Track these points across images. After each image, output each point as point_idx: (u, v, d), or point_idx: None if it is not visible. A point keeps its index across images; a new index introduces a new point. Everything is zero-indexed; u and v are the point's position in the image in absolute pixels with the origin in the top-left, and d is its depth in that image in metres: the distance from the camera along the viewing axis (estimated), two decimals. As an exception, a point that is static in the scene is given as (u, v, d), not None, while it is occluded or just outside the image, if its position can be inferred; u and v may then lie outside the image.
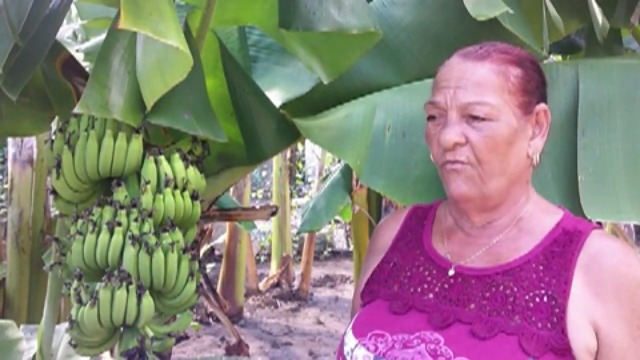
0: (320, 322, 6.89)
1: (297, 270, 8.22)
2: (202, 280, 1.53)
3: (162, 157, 1.36)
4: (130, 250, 1.29)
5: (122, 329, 1.35)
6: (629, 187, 1.29)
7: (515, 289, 1.05)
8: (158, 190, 1.34)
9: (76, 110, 1.20)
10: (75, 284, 1.31)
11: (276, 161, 7.91)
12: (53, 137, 1.40)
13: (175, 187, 1.36)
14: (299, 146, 11.08)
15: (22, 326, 2.62)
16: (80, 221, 1.35)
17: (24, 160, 3.62)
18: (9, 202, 3.66)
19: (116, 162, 1.34)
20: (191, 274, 1.37)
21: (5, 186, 4.15)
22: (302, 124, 1.58)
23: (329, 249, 10.32)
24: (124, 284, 1.26)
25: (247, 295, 7.53)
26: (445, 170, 1.10)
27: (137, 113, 1.29)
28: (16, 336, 2.43)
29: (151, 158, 1.35)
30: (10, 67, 1.35)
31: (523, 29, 1.45)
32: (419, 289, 1.14)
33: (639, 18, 1.90)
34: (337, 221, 9.98)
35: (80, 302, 1.29)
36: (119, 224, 1.30)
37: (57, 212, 1.52)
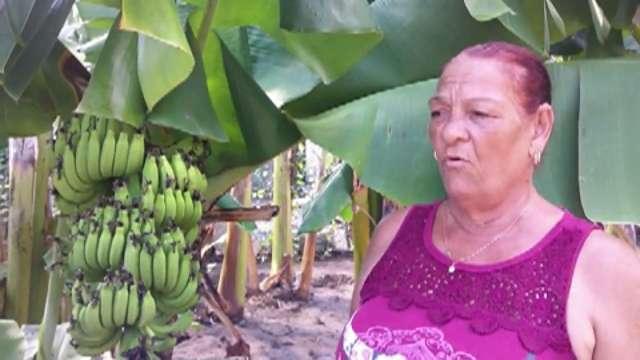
0: (320, 322, 6.89)
1: (297, 271, 8.22)
2: (203, 280, 1.53)
3: (163, 158, 1.36)
4: (131, 251, 1.29)
5: (123, 329, 1.35)
6: (630, 188, 1.29)
7: (516, 286, 1.06)
8: (159, 190, 1.35)
9: (78, 110, 1.20)
10: (76, 284, 1.31)
11: (277, 161, 7.92)
12: (54, 137, 1.41)
13: (177, 187, 1.37)
14: (300, 146, 11.08)
15: (23, 326, 2.62)
16: (81, 221, 1.36)
17: (26, 160, 3.62)
18: (10, 202, 3.66)
19: (117, 162, 1.34)
20: (192, 274, 1.37)
21: (7, 186, 4.15)
22: (303, 124, 1.59)
23: (330, 249, 10.32)
24: (126, 284, 1.27)
25: (247, 296, 7.53)
26: (446, 167, 1.10)
27: (138, 113, 1.29)
28: (17, 336, 2.43)
29: (152, 158, 1.35)
30: (12, 68, 1.35)
31: (524, 30, 1.45)
32: (418, 286, 1.15)
33: (640, 19, 1.90)
34: (337, 221, 9.99)
35: (81, 302, 1.30)
36: (121, 224, 1.30)
37: (58, 212, 1.52)
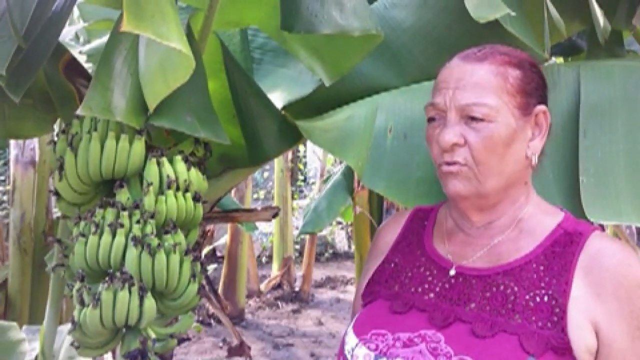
0: (321, 324, 6.89)
1: (298, 272, 8.22)
2: (203, 281, 1.53)
3: (164, 159, 1.37)
4: (132, 252, 1.29)
5: (124, 330, 1.35)
6: (630, 189, 1.29)
7: (516, 289, 1.06)
8: (160, 191, 1.35)
9: (79, 112, 1.20)
10: (77, 285, 1.31)
11: (278, 162, 7.92)
12: (55, 139, 1.41)
13: (178, 188, 1.37)
14: (301, 147, 11.08)
15: (24, 327, 2.62)
16: (82, 223, 1.36)
17: (26, 162, 3.62)
18: (11, 204, 3.66)
19: (118, 164, 1.34)
20: (193, 276, 1.37)
21: (8, 187, 4.15)
22: (304, 125, 1.59)
23: (331, 251, 10.32)
24: (126, 285, 1.27)
25: (248, 297, 7.53)
26: (442, 171, 1.10)
27: (139, 115, 1.29)
28: (18, 337, 2.43)
29: (153, 160, 1.35)
30: (13, 69, 1.35)
31: (524, 31, 1.45)
32: (419, 289, 1.15)
33: (640, 20, 1.90)
34: (338, 222, 9.98)
35: (82, 303, 1.30)
36: (122, 226, 1.30)
37: (59, 214, 1.52)
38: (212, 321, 6.67)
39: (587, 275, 1.04)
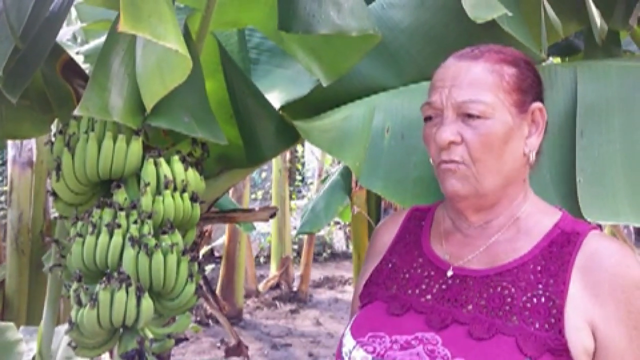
0: (319, 324, 6.89)
1: (296, 272, 8.22)
2: (201, 281, 1.53)
3: (161, 159, 1.36)
4: (129, 252, 1.29)
5: (121, 330, 1.35)
6: (627, 189, 1.29)
7: (513, 290, 1.06)
8: (157, 192, 1.35)
9: (76, 112, 1.20)
10: (74, 285, 1.31)
11: (276, 163, 7.92)
12: (53, 139, 1.41)
13: (175, 189, 1.37)
14: (299, 148, 11.08)
15: (21, 328, 2.62)
16: (79, 223, 1.36)
17: (24, 162, 3.62)
18: (8, 204, 3.66)
19: (116, 164, 1.34)
20: (190, 276, 1.38)
21: (5, 188, 4.15)
22: (302, 125, 1.59)
23: (329, 251, 10.32)
24: (124, 285, 1.27)
25: (246, 297, 7.53)
26: (440, 170, 1.10)
27: (136, 115, 1.29)
28: (16, 338, 2.43)
29: (151, 160, 1.35)
30: (11, 70, 1.35)
31: (521, 31, 1.45)
32: (417, 291, 1.15)
33: (637, 20, 1.91)
34: (336, 222, 9.99)
35: (79, 303, 1.30)
36: (119, 226, 1.30)
37: (56, 214, 1.52)
38: (210, 321, 6.67)
39: (585, 275, 1.03)
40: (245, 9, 1.67)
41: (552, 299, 1.03)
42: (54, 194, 1.40)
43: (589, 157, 1.34)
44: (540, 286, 1.05)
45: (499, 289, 1.07)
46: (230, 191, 5.60)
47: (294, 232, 7.93)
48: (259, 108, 1.70)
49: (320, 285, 8.60)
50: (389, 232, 1.29)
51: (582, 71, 1.44)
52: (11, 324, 2.52)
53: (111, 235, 1.30)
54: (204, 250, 6.62)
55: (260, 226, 9.13)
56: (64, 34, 2.76)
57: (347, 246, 10.25)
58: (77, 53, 2.05)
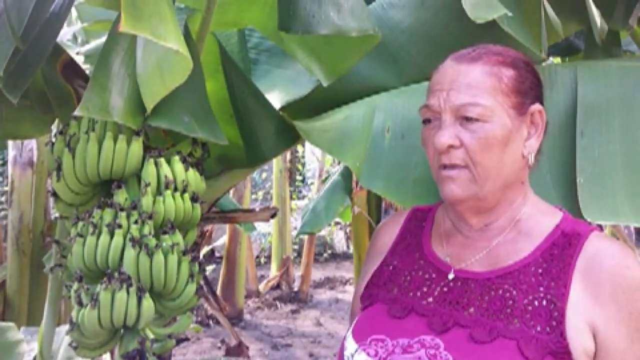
0: (320, 324, 6.89)
1: (297, 272, 8.22)
2: (202, 282, 1.53)
3: (162, 160, 1.37)
4: (130, 252, 1.29)
5: (122, 330, 1.35)
6: (627, 189, 1.29)
7: (515, 293, 1.05)
8: (158, 192, 1.35)
9: (76, 112, 1.20)
10: (75, 285, 1.31)
11: (276, 163, 7.92)
12: (53, 140, 1.41)
13: (175, 189, 1.37)
14: (299, 148, 11.08)
15: (22, 328, 2.62)
16: (80, 223, 1.36)
17: (25, 163, 3.62)
18: (9, 205, 3.66)
19: (116, 165, 1.34)
20: (191, 276, 1.38)
21: (6, 188, 4.15)
22: (302, 125, 1.59)
23: (329, 251, 10.32)
24: (125, 285, 1.27)
25: (247, 297, 7.53)
26: (441, 175, 1.10)
27: (137, 115, 1.30)
28: (16, 338, 2.43)
29: (151, 160, 1.35)
30: (11, 70, 1.35)
31: (521, 31, 1.45)
32: (418, 293, 1.14)
33: (637, 20, 1.91)
34: (337, 223, 9.98)
35: (80, 304, 1.30)
36: (119, 226, 1.30)
37: (57, 214, 1.52)
38: (210, 322, 6.67)
39: (586, 277, 1.03)
40: (246, 9, 1.67)
41: (554, 302, 1.02)
42: (54, 194, 1.40)
43: (589, 157, 1.34)
44: (541, 289, 1.04)
45: (500, 291, 1.06)
46: (231, 191, 5.61)
47: (294, 233, 7.93)
48: (259, 108, 1.70)
49: (321, 285, 8.60)
50: (389, 232, 1.28)
51: (582, 71, 1.44)
52: (12, 324, 2.53)
53: (112, 235, 1.30)
54: (204, 250, 6.61)
55: (261, 226, 9.13)
56: (65, 35, 2.76)
57: (348, 246, 10.24)
58: (78, 53, 2.05)
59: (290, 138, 1.72)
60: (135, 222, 1.31)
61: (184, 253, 1.36)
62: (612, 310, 1.01)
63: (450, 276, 1.13)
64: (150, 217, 1.32)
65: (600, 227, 1.21)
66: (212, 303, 2.09)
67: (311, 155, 11.30)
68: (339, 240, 10.60)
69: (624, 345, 1.00)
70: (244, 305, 7.19)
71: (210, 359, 5.45)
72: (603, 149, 1.34)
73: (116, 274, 1.28)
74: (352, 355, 1.09)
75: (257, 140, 1.70)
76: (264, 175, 11.48)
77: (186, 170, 1.40)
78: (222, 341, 6.16)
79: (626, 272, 1.02)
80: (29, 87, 1.44)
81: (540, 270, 1.06)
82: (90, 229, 1.32)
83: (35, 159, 3.64)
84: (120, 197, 1.34)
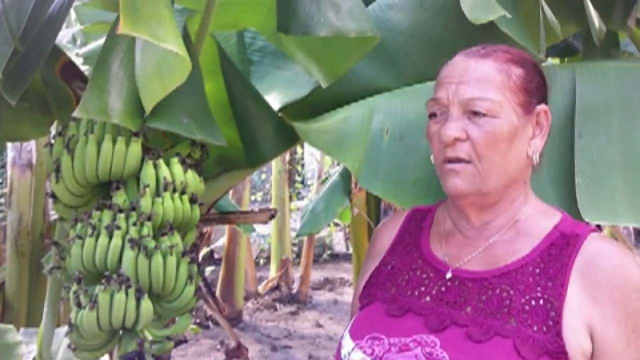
0: (319, 325, 6.89)
1: (296, 273, 8.21)
2: (201, 283, 1.53)
3: (161, 161, 1.37)
4: (129, 254, 1.29)
5: (121, 332, 1.35)
6: (626, 190, 1.29)
7: (512, 292, 1.05)
8: (157, 193, 1.35)
9: (75, 114, 1.20)
10: (74, 287, 1.31)
11: (275, 164, 7.92)
12: (52, 141, 1.41)
13: (174, 190, 1.37)
14: (298, 149, 11.08)
15: (21, 330, 2.62)
16: (79, 225, 1.36)
17: (24, 164, 3.62)
18: (8, 206, 3.66)
19: (115, 166, 1.34)
20: (190, 277, 1.38)
21: (5, 190, 4.15)
22: (301, 127, 1.59)
23: (328, 252, 10.31)
24: (123, 287, 1.27)
25: (246, 299, 7.52)
26: (445, 169, 1.09)
27: (136, 117, 1.30)
28: (15, 340, 2.43)
29: (150, 162, 1.35)
30: (10, 71, 1.35)
31: (520, 32, 1.45)
32: (416, 292, 1.14)
33: (636, 21, 1.91)
34: (336, 224, 9.97)
35: (79, 305, 1.30)
36: (118, 228, 1.30)
37: (56, 216, 1.52)
38: (209, 323, 6.66)
39: (583, 277, 1.03)
40: (244, 11, 1.67)
41: (551, 302, 1.02)
42: (53, 195, 1.40)
43: (588, 158, 1.34)
44: (538, 289, 1.04)
45: (497, 291, 1.07)
46: (230, 193, 5.61)
47: (293, 234, 7.93)
48: (258, 109, 1.70)
49: (320, 286, 8.59)
50: (388, 233, 1.29)
51: (580, 72, 1.44)
52: (11, 326, 2.52)
53: (110, 237, 1.30)
54: (203, 251, 6.61)
55: (260, 228, 9.12)
56: (64, 36, 2.77)
57: (347, 247, 10.24)
58: (77, 55, 2.06)
59: (289, 139, 1.72)
60: (134, 223, 1.31)
61: (183, 254, 1.36)
62: (609, 311, 1.01)
63: (448, 275, 1.13)
64: (149, 219, 1.32)
65: (599, 228, 1.21)
66: (211, 304, 2.09)
67: (310, 156, 11.30)
68: (338, 241, 10.60)
69: (621, 345, 1.00)
70: (243, 307, 7.19)
71: (209, 361, 5.45)
72: (601, 150, 1.34)
73: (115, 276, 1.28)
74: (349, 354, 1.09)
75: (256, 142, 1.70)
76: (263, 176, 11.49)
77: (185, 171, 1.40)
78: (221, 342, 6.16)
79: (624, 273, 1.02)
80: (27, 88, 1.44)
81: (537, 270, 1.06)
82: (89, 231, 1.32)
83: (34, 160, 3.64)
84: (119, 198, 1.34)
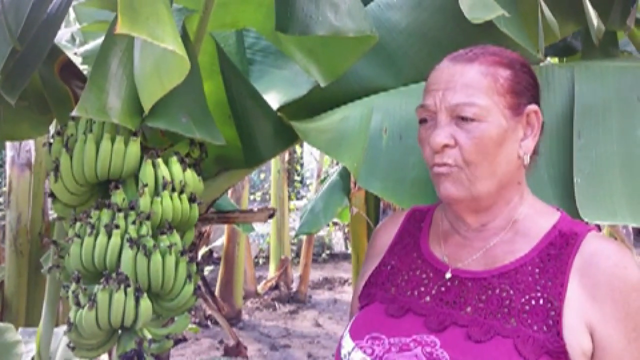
0: (318, 325, 6.89)
1: (295, 273, 8.22)
2: (200, 282, 1.53)
3: (159, 160, 1.37)
4: (128, 253, 1.29)
5: (120, 331, 1.35)
6: (624, 189, 1.30)
7: (512, 292, 1.06)
8: (156, 193, 1.35)
9: (74, 113, 1.20)
10: (73, 286, 1.31)
11: (274, 163, 7.92)
12: (51, 141, 1.41)
13: (173, 189, 1.37)
14: (298, 148, 11.08)
15: (20, 329, 2.62)
16: (78, 224, 1.36)
17: (23, 164, 3.62)
18: (7, 205, 3.66)
19: (114, 165, 1.34)
20: (189, 276, 1.38)
21: (4, 189, 4.15)
22: (300, 126, 1.59)
23: (328, 251, 10.32)
24: (122, 286, 1.27)
25: (245, 298, 7.52)
26: (433, 173, 1.11)
27: (134, 116, 1.30)
28: (14, 339, 2.43)
29: (149, 161, 1.35)
30: (9, 71, 1.35)
31: (519, 32, 1.45)
32: (415, 292, 1.15)
33: (635, 20, 1.91)
34: (335, 223, 9.98)
35: (78, 304, 1.30)
36: (117, 227, 1.30)
37: (55, 215, 1.52)
38: (209, 322, 6.66)
39: (583, 277, 1.03)
40: (243, 10, 1.67)
41: (551, 301, 1.03)
42: (52, 195, 1.40)
43: (587, 157, 1.34)
44: (538, 288, 1.05)
45: (497, 291, 1.07)
46: (229, 192, 5.60)
47: (292, 233, 7.94)
48: (257, 109, 1.70)
49: (319, 286, 8.60)
50: (388, 233, 1.29)
51: (579, 72, 1.44)
52: (10, 325, 2.53)
53: (109, 236, 1.30)
54: (202, 251, 6.62)
55: (259, 227, 9.13)
56: (62, 35, 2.77)
57: (346, 247, 10.25)
58: (75, 54, 2.05)
59: (288, 139, 1.72)
60: (133, 222, 1.31)
61: (182, 253, 1.36)
62: (609, 310, 1.01)
63: (448, 276, 1.13)
64: (148, 218, 1.32)
65: (598, 227, 1.21)
66: (210, 303, 2.09)
67: (309, 155, 11.30)
68: (338, 240, 10.61)
69: (622, 345, 1.01)
70: (242, 306, 7.19)
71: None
72: (600, 149, 1.34)
73: (114, 275, 1.28)
74: (349, 354, 1.09)
75: (255, 141, 1.70)
76: (262, 175, 11.49)
77: (184, 170, 1.40)
78: (221, 342, 6.16)
79: (623, 272, 1.03)
80: (26, 88, 1.44)
81: (537, 270, 1.06)
82: (88, 230, 1.32)
83: (33, 159, 3.64)
84: (118, 197, 1.34)
